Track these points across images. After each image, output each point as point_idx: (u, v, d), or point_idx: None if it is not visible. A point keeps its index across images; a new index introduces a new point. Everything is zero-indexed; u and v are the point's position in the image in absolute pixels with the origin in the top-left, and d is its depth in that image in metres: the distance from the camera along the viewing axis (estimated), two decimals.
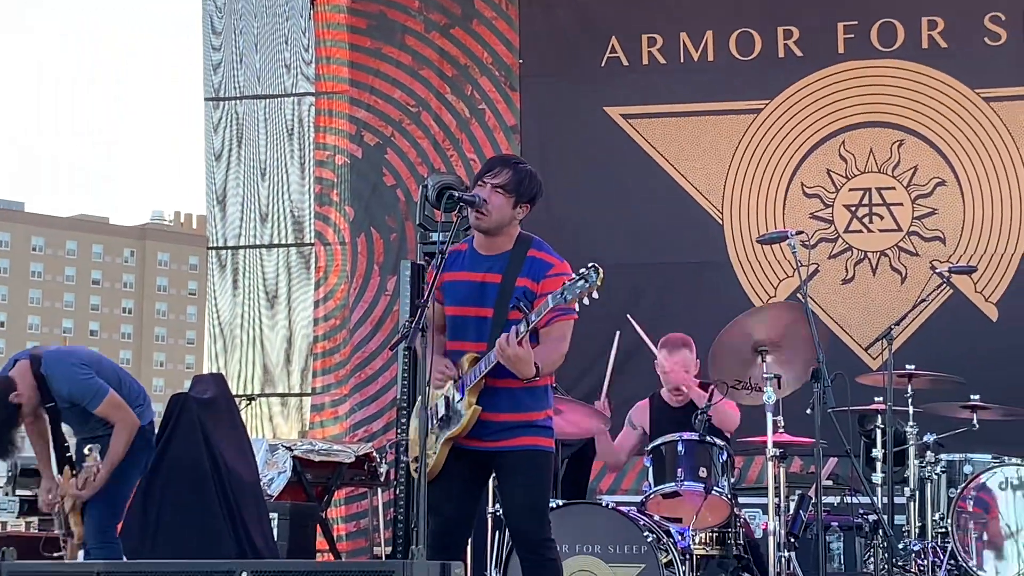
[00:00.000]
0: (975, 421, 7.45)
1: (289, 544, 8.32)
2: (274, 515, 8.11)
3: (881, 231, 9.62)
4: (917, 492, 7.36)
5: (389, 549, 9.36)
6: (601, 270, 4.91)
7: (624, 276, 9.25)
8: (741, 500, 6.94)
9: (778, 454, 6.52)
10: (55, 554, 6.95)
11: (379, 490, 9.62)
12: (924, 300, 7.87)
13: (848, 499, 7.41)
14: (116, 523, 6.61)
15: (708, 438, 6.65)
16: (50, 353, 6.58)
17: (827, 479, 7.87)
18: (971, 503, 7.15)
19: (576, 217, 9.86)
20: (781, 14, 9.87)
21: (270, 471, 8.82)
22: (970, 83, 9.57)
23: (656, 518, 6.53)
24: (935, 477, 7.36)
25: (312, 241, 10.45)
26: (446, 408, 5.14)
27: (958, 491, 7.17)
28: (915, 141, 9.63)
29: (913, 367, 7.51)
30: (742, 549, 6.65)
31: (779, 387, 6.50)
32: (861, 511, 7.16)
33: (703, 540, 6.59)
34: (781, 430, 6.54)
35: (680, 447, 6.64)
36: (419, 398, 5.08)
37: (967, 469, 7.30)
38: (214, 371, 10.15)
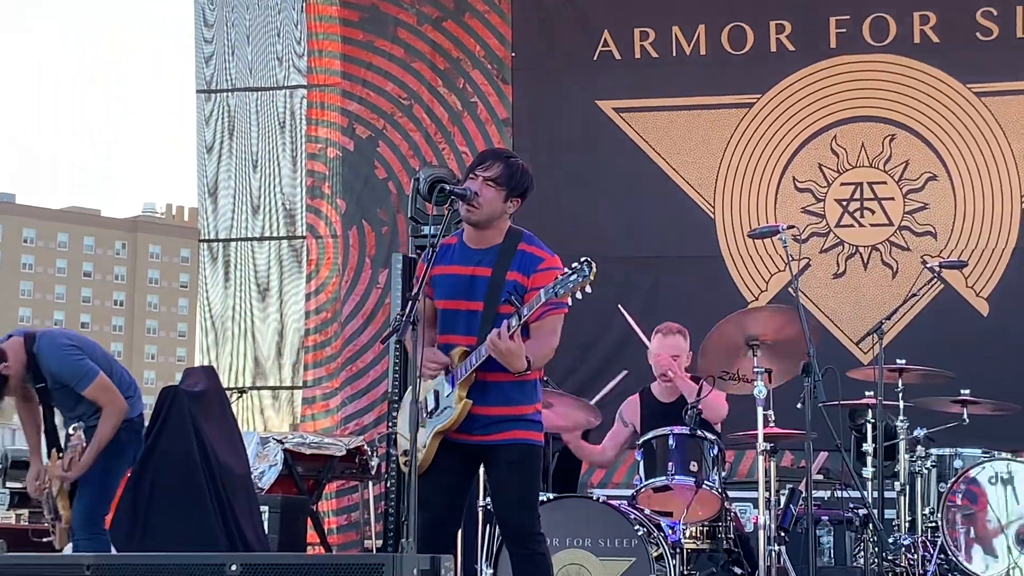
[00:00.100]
0: (965, 416, 7.46)
1: (280, 537, 8.33)
2: (265, 508, 8.10)
3: (872, 226, 9.63)
4: (907, 486, 7.37)
5: (380, 542, 9.37)
6: (594, 265, 4.91)
7: (615, 270, 9.24)
8: (731, 494, 6.95)
9: (769, 448, 6.53)
10: (44, 539, 6.95)
11: (370, 483, 9.63)
12: (915, 295, 7.88)
13: (838, 493, 7.42)
14: (104, 514, 6.62)
15: (699, 432, 6.66)
16: (45, 333, 6.67)
17: (817, 473, 7.88)
18: (961, 497, 7.17)
19: (567, 210, 9.86)
20: (773, 8, 9.87)
21: (261, 464, 8.82)
22: (962, 78, 9.58)
23: (647, 512, 6.54)
24: (925, 471, 7.37)
25: (304, 234, 10.44)
26: (436, 401, 5.14)
27: (948, 485, 7.19)
28: (907, 136, 9.63)
29: (904, 362, 7.52)
30: (732, 543, 6.66)
31: (770, 381, 6.51)
32: (851, 505, 7.17)
33: (693, 534, 6.60)
34: (772, 424, 6.55)
35: (671, 441, 6.64)
36: (408, 391, 5.08)
37: (957, 463, 7.31)
38: (205, 364, 10.14)
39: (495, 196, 5.15)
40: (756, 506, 6.55)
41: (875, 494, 7.31)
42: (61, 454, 6.58)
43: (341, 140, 10.36)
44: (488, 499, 6.55)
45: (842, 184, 9.70)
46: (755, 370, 6.54)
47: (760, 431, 6.51)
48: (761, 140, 9.82)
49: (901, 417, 7.42)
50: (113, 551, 6.55)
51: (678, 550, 6.40)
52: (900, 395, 7.46)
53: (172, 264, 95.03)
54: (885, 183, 9.64)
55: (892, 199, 9.62)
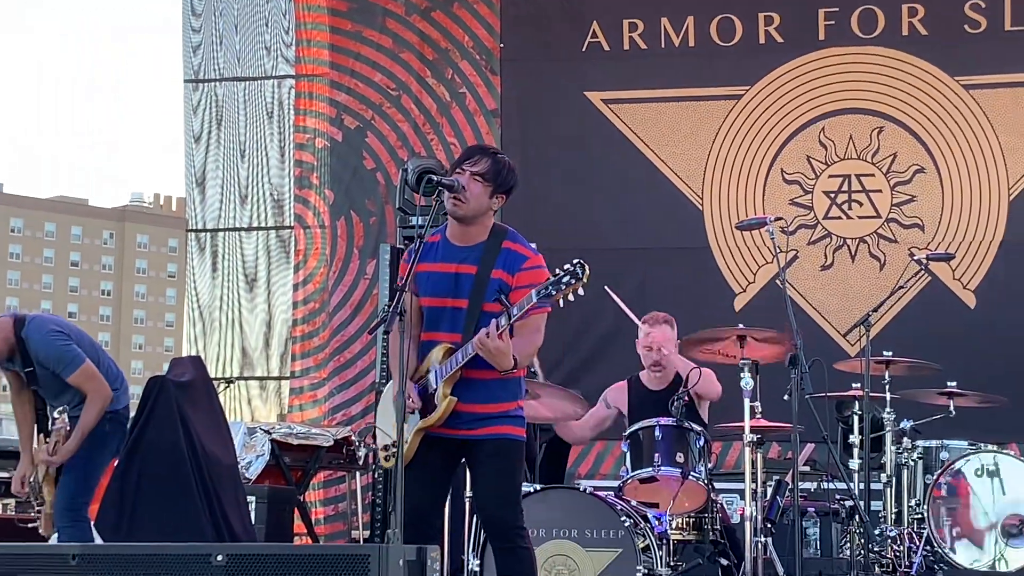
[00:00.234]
0: (952, 408, 7.48)
1: (267, 527, 8.32)
2: (252, 498, 8.10)
3: (860, 218, 9.64)
4: (893, 478, 7.39)
5: (367, 533, 9.37)
6: (587, 267, 4.91)
7: (603, 261, 9.19)
8: (718, 485, 6.96)
9: (755, 440, 6.54)
10: (28, 525, 6.95)
11: (357, 474, 9.62)
12: (902, 287, 7.90)
13: (825, 485, 7.44)
14: (86, 502, 6.61)
15: (685, 424, 6.67)
16: (34, 318, 6.66)
17: (804, 465, 7.89)
18: (947, 489, 7.18)
19: (555, 202, 9.86)
20: (762, 0, 9.87)
21: (248, 454, 8.81)
22: (950, 71, 9.59)
23: (633, 503, 6.55)
24: (911, 463, 7.39)
25: (292, 224, 10.43)
26: (420, 397, 5.13)
27: (934, 477, 7.21)
28: (895, 128, 9.64)
29: (891, 354, 7.53)
30: (719, 534, 6.67)
31: (756, 373, 6.52)
32: (838, 497, 7.19)
33: (680, 525, 6.61)
34: (759, 416, 6.56)
35: (657, 432, 6.65)
36: (388, 384, 5.07)
37: (943, 455, 7.33)
38: (193, 354, 10.13)
39: (482, 191, 5.13)
40: (743, 497, 6.57)
41: (861, 486, 7.33)
42: (48, 439, 6.58)
43: (329, 130, 10.34)
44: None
45: (830, 176, 9.71)
46: (741, 362, 6.55)
47: (747, 423, 6.53)
48: (750, 132, 9.83)
49: (888, 409, 7.43)
50: (98, 539, 6.54)
51: (664, 541, 6.40)
52: (887, 387, 7.47)
53: (160, 254, 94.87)
54: (873, 175, 9.65)
55: (880, 191, 9.63)
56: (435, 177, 5.18)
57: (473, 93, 10.18)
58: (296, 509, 9.08)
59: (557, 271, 4.99)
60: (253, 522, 7.83)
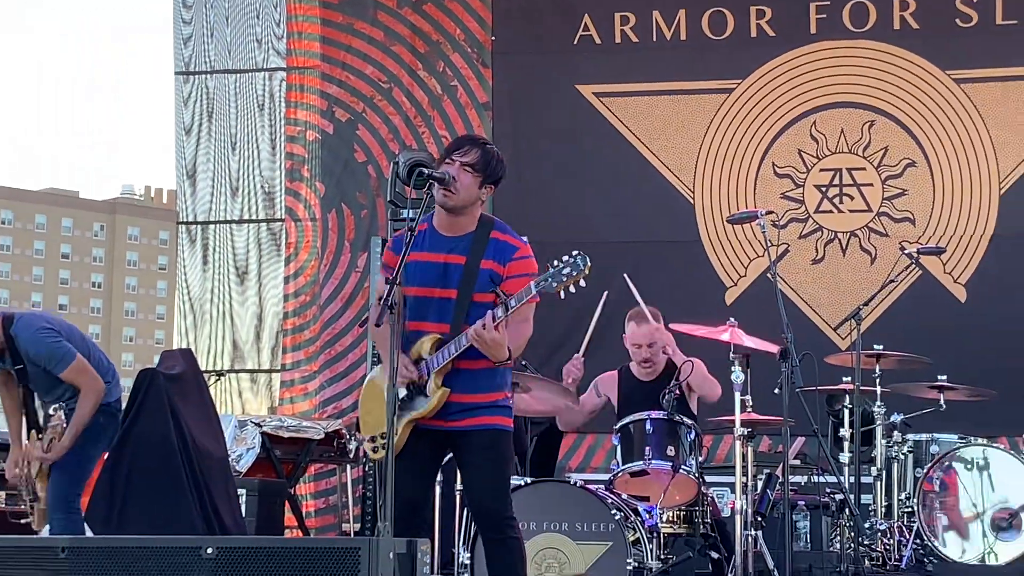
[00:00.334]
0: (942, 401, 7.49)
1: (257, 520, 8.31)
2: (242, 491, 8.10)
3: (851, 211, 9.65)
4: (884, 472, 7.40)
5: (358, 526, 9.36)
6: (588, 259, 4.90)
7: (594, 254, 9.10)
8: (709, 479, 6.97)
9: (746, 433, 6.54)
10: (22, 520, 6.94)
11: (348, 467, 9.61)
12: (893, 281, 7.91)
13: (815, 478, 7.44)
14: (78, 494, 6.60)
15: (676, 417, 6.67)
16: (23, 315, 6.66)
17: (794, 459, 7.90)
18: (937, 483, 7.20)
19: (547, 195, 9.86)
20: None
21: (239, 447, 8.80)
22: (941, 64, 9.59)
23: (624, 496, 6.55)
24: (902, 457, 7.40)
25: (283, 217, 10.41)
26: (409, 389, 5.13)
27: (924, 471, 7.22)
28: (886, 122, 9.65)
29: (881, 347, 7.54)
30: (709, 528, 6.67)
31: (747, 366, 6.52)
32: (828, 490, 7.19)
33: (670, 518, 6.61)
34: (749, 409, 6.57)
35: (648, 426, 6.65)
36: (374, 370, 5.06)
37: (934, 449, 7.34)
38: (183, 346, 10.12)
39: (472, 182, 5.13)
40: (733, 491, 6.57)
41: (852, 479, 7.34)
42: (41, 435, 6.57)
43: (320, 123, 10.33)
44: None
45: (821, 170, 9.71)
46: (732, 356, 6.56)
47: (737, 416, 6.53)
48: (741, 125, 9.82)
49: (878, 403, 7.44)
50: (89, 533, 6.54)
51: (655, 534, 6.41)
52: (877, 381, 7.48)
53: (151, 246, 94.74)
54: (864, 169, 9.66)
55: (871, 185, 9.64)
56: (426, 170, 5.17)
57: (464, 86, 10.17)
58: (287, 502, 9.07)
59: (556, 262, 4.99)
60: (243, 515, 7.82)
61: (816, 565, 7.06)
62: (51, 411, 6.54)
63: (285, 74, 10.46)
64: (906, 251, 7.77)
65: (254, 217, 10.54)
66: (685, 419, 6.72)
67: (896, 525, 7.25)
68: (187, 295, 10.63)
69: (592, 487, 6.49)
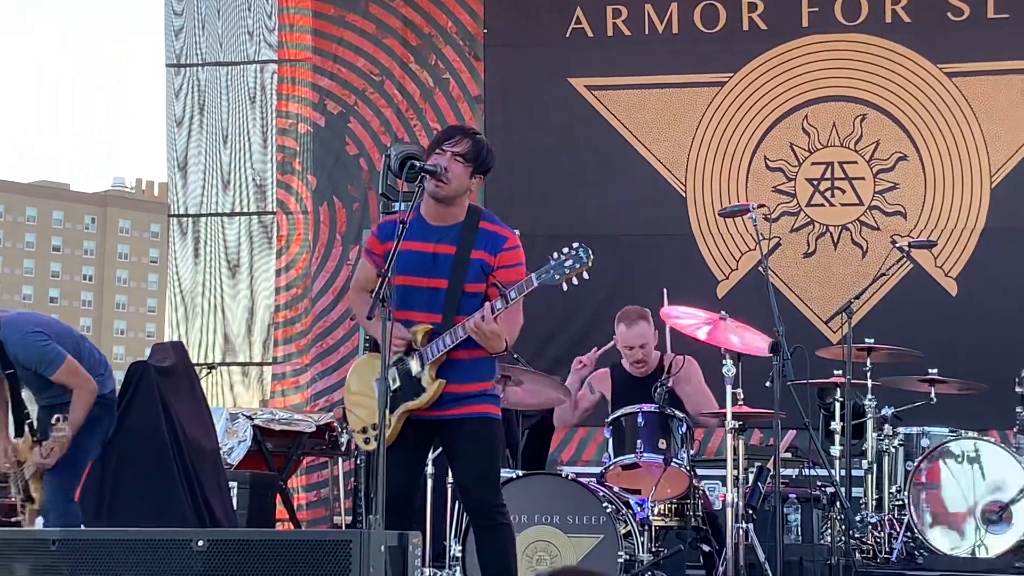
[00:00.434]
0: (933, 395, 7.50)
1: (249, 513, 8.31)
2: (234, 484, 8.10)
3: (843, 205, 9.66)
4: (875, 465, 7.42)
5: (350, 518, 9.36)
6: (591, 251, 4.90)
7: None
8: (700, 472, 6.96)
9: (737, 426, 6.55)
10: (12, 519, 6.92)
11: (340, 460, 9.62)
12: (884, 274, 7.91)
13: (806, 471, 7.45)
14: (75, 485, 6.58)
15: (668, 410, 6.67)
16: (8, 318, 6.55)
17: (786, 451, 7.91)
18: (927, 476, 7.21)
19: (539, 188, 9.86)
20: None
21: (230, 440, 8.80)
22: (933, 58, 9.60)
23: (615, 489, 6.55)
24: (893, 450, 7.42)
25: (274, 210, 10.40)
26: (401, 380, 5.13)
27: (915, 464, 7.23)
28: (877, 115, 9.65)
29: (872, 341, 7.55)
30: (700, 520, 6.68)
31: (738, 360, 6.52)
32: (819, 483, 7.20)
33: (662, 511, 6.62)
34: (740, 402, 6.57)
35: (640, 419, 6.66)
36: (360, 359, 5.05)
37: (924, 442, 7.36)
38: (175, 339, 10.11)
39: (463, 172, 5.14)
40: (724, 484, 6.57)
41: (843, 472, 7.35)
42: (36, 438, 6.50)
43: (312, 116, 10.31)
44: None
45: (813, 163, 9.72)
46: (724, 350, 6.56)
47: (729, 409, 6.53)
48: (733, 119, 9.83)
49: (869, 396, 7.45)
50: (82, 527, 6.53)
51: (646, 527, 6.41)
52: (868, 374, 7.49)
53: (142, 239, 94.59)
54: (856, 163, 9.66)
55: (862, 179, 9.64)
56: (418, 163, 5.17)
57: (456, 79, 10.16)
58: (278, 495, 9.07)
59: (557, 254, 4.99)
60: (235, 508, 7.83)
61: (807, 558, 7.06)
62: (54, 420, 6.47)
63: (276, 66, 10.44)
64: (897, 244, 7.77)
65: (245, 210, 10.53)
66: (677, 412, 6.73)
67: (887, 518, 7.27)
68: (178, 288, 10.62)
69: (584, 480, 6.49)
